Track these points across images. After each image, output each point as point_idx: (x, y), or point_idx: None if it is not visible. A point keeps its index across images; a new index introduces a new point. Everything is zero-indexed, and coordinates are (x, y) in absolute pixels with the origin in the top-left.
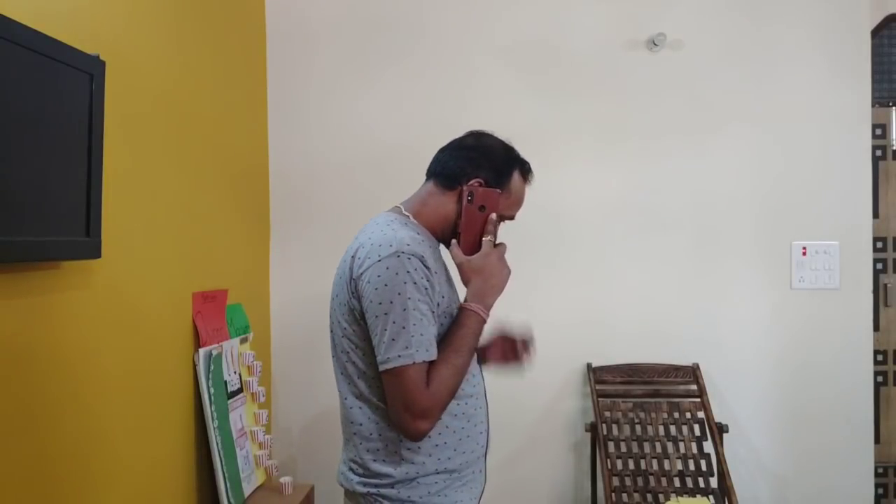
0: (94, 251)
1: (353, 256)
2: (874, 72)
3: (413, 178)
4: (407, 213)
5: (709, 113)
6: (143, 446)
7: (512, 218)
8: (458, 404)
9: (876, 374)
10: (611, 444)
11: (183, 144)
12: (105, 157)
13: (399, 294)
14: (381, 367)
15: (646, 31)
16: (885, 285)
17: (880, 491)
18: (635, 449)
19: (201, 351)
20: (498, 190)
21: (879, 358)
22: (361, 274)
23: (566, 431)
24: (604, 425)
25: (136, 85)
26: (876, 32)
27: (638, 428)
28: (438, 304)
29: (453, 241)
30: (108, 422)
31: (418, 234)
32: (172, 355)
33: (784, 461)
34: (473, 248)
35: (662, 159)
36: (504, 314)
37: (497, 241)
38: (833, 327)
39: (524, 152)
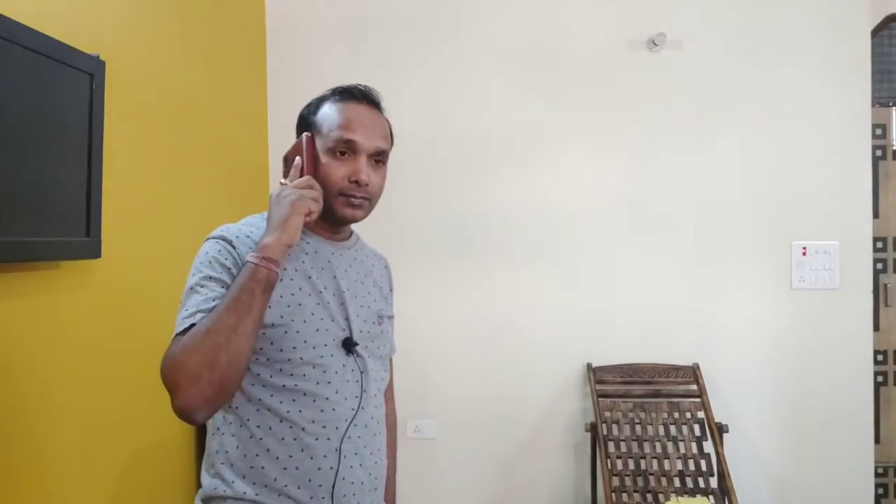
0: (94, 251)
1: None
2: (874, 72)
3: (413, 178)
4: None
5: (709, 113)
6: (142, 446)
7: (352, 143)
8: (290, 427)
9: (876, 374)
10: (611, 444)
11: (183, 144)
12: (105, 157)
13: (193, 275)
14: None
15: (646, 31)
16: (885, 285)
17: (880, 491)
18: (635, 449)
19: None
20: (302, 134)
21: (879, 358)
22: None
23: (566, 431)
24: (604, 425)
25: (136, 85)
26: (876, 32)
27: (638, 428)
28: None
29: None
30: (108, 421)
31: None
32: None
33: (784, 461)
34: None
35: (663, 159)
36: (505, 314)
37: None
38: (833, 327)
39: (524, 151)
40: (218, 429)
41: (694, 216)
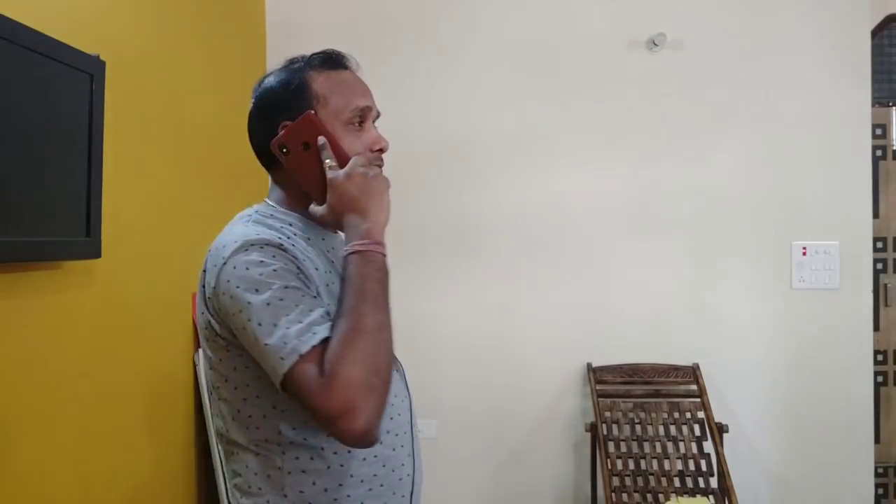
0: (94, 251)
1: (203, 270)
2: (874, 72)
3: (415, 178)
4: (273, 203)
5: (709, 113)
6: (143, 446)
7: (369, 110)
8: None
9: (876, 374)
10: (611, 444)
11: (183, 144)
12: (105, 157)
13: (256, 291)
14: (277, 384)
15: (646, 31)
16: (885, 285)
17: (880, 491)
18: (635, 449)
19: (201, 351)
20: (307, 112)
21: (879, 358)
22: (214, 288)
23: (566, 431)
24: (604, 425)
25: (136, 85)
26: (876, 32)
27: (638, 428)
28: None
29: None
30: (109, 421)
31: (291, 225)
32: (172, 355)
33: (784, 461)
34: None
35: (663, 159)
36: (505, 314)
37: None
38: (833, 327)
39: (524, 151)
40: (279, 468)
41: (694, 216)
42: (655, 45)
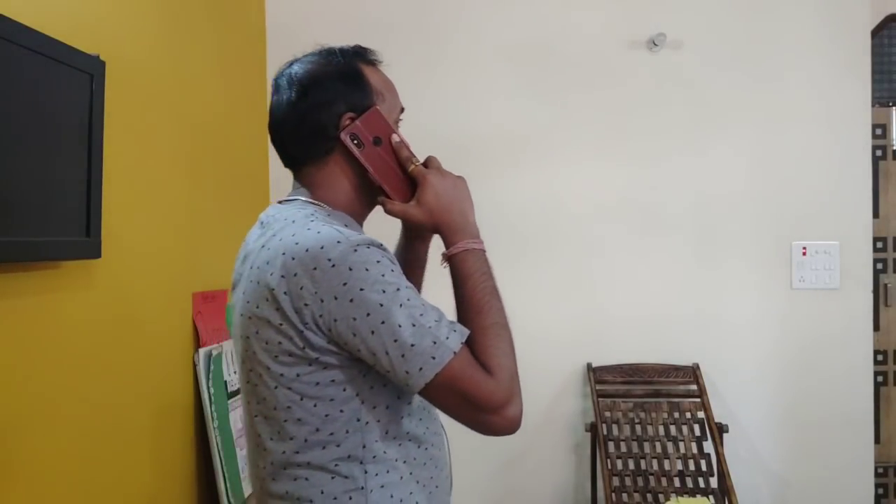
0: (94, 251)
1: (282, 276)
2: (874, 72)
3: None
4: (320, 203)
5: (709, 113)
6: (143, 446)
7: (402, 110)
8: (425, 449)
9: (876, 374)
10: (611, 445)
11: (183, 144)
12: (105, 157)
13: (383, 292)
14: (418, 387)
15: (646, 31)
16: (885, 285)
17: (880, 491)
18: (635, 449)
19: (201, 351)
20: (375, 106)
21: (879, 358)
22: (315, 294)
23: (566, 432)
24: (604, 425)
25: (136, 85)
26: (876, 32)
27: (638, 428)
28: None
29: (383, 200)
30: (108, 422)
31: (346, 226)
32: (172, 355)
33: (784, 461)
34: (404, 188)
35: (662, 159)
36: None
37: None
38: (833, 327)
39: (524, 151)
40: (361, 489)
41: (694, 216)
42: (655, 45)
